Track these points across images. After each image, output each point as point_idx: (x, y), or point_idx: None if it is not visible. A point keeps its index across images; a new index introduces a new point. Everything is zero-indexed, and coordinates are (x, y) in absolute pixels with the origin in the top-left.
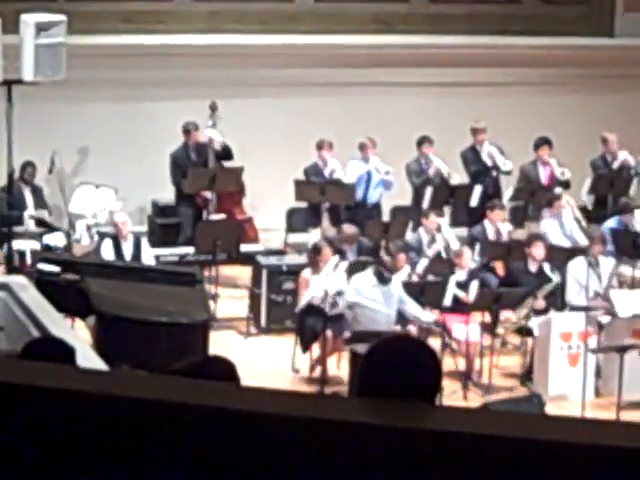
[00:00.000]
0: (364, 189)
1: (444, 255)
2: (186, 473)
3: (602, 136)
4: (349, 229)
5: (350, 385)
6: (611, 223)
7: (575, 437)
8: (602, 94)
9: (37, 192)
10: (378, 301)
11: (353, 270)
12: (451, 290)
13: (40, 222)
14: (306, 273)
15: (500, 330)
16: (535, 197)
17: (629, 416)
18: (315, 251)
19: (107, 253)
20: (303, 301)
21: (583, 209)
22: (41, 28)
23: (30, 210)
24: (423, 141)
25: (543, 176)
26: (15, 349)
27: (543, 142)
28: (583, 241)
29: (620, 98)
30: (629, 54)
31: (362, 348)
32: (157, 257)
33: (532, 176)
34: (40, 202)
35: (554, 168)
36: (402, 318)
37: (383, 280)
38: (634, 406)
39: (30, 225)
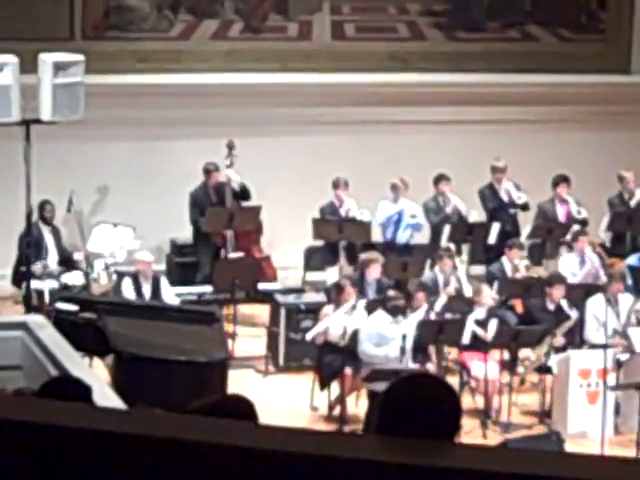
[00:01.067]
0: (393, 230)
1: (465, 294)
2: None
3: (619, 174)
4: (369, 254)
5: (366, 422)
6: (632, 260)
7: (595, 475)
8: (619, 131)
9: (56, 232)
10: (390, 350)
11: (372, 308)
12: (470, 328)
13: (64, 260)
14: (328, 309)
15: (520, 369)
16: (553, 235)
17: None
18: (338, 289)
19: (127, 292)
20: (316, 330)
21: (602, 246)
22: (59, 68)
23: (51, 250)
24: (440, 179)
25: (560, 214)
26: (33, 388)
27: (561, 180)
28: (602, 278)
29: (637, 135)
30: None
31: (380, 386)
32: (177, 295)
33: (550, 214)
34: (59, 243)
35: (572, 206)
36: (422, 356)
37: (396, 312)
38: None
39: (50, 264)
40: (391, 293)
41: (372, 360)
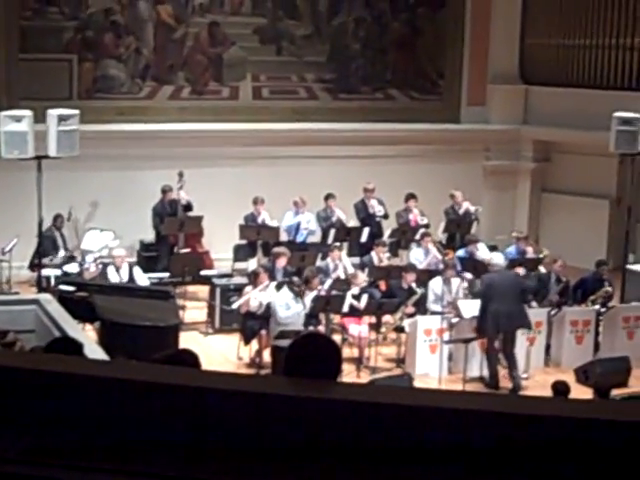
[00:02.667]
0: (294, 233)
1: (343, 277)
2: (162, 432)
3: (450, 193)
4: (279, 248)
5: (272, 369)
6: (460, 253)
7: (434, 403)
8: (451, 163)
9: (63, 236)
10: (296, 309)
11: (280, 286)
12: (348, 300)
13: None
14: (248, 289)
15: (382, 329)
16: (406, 235)
17: (471, 387)
18: (255, 275)
19: (110, 277)
20: (239, 302)
21: (440, 243)
22: (61, 119)
23: (61, 248)
24: (328, 197)
25: (411, 220)
26: (42, 345)
27: (410, 196)
28: (440, 265)
29: (463, 166)
30: (470, 135)
31: (283, 343)
32: (149, 279)
33: (403, 220)
34: (64, 243)
35: (417, 215)
36: (315, 320)
37: (297, 294)
38: (474, 380)
39: (58, 258)
40: (295, 279)
41: (287, 320)
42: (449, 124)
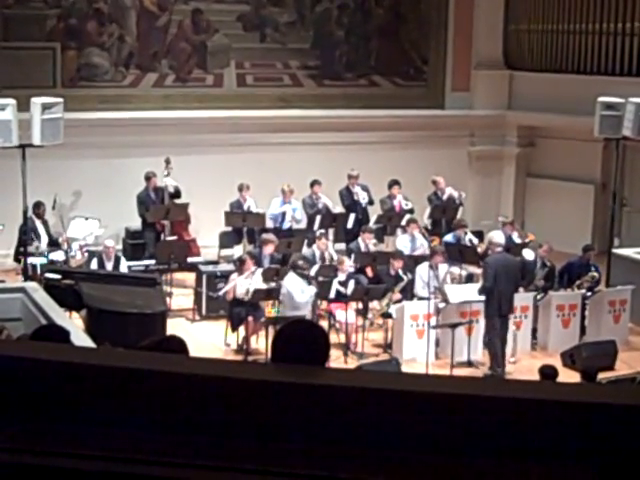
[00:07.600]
0: (279, 222)
1: (328, 263)
2: (150, 418)
3: (432, 179)
4: (267, 236)
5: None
6: (448, 237)
7: (422, 388)
8: (436, 149)
9: (45, 223)
10: (310, 292)
11: (267, 274)
12: (335, 287)
13: (51, 243)
14: (234, 276)
15: (370, 315)
16: (391, 221)
17: (459, 372)
18: (241, 262)
19: (95, 266)
20: (225, 289)
21: (425, 229)
22: (45, 107)
23: (43, 237)
24: (314, 183)
25: (395, 206)
26: (29, 333)
27: (394, 183)
28: (426, 251)
29: (448, 152)
30: (454, 121)
31: None
32: (130, 267)
33: (388, 206)
34: (48, 231)
35: (401, 201)
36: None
37: (307, 278)
38: (462, 365)
39: (41, 246)
40: (300, 262)
41: (302, 305)
42: (434, 110)
